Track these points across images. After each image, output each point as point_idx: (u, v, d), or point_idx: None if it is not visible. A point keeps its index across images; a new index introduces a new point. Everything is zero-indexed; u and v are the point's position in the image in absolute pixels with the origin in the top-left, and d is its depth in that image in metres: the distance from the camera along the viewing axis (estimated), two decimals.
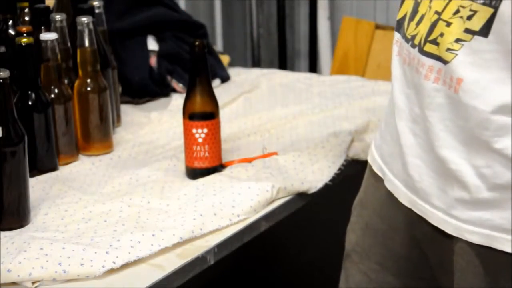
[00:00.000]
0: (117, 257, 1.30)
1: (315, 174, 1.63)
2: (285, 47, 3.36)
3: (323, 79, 2.29)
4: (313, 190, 1.60)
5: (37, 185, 1.58)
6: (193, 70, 1.60)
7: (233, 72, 2.33)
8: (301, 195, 1.60)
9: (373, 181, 1.34)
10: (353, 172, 1.69)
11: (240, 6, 3.49)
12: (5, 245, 1.33)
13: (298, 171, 1.63)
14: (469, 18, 1.08)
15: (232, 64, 2.46)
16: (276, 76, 2.31)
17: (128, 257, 1.30)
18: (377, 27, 2.77)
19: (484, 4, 1.06)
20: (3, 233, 1.38)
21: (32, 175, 1.54)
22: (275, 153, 1.71)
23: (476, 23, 1.07)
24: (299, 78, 2.29)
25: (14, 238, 1.35)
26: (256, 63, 3.49)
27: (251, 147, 1.76)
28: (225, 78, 2.26)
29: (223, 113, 1.90)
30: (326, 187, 1.62)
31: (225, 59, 2.37)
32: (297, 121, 1.92)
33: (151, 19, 2.22)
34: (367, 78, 2.33)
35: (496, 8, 1.05)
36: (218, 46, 3.31)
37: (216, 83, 2.20)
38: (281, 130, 1.87)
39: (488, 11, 1.06)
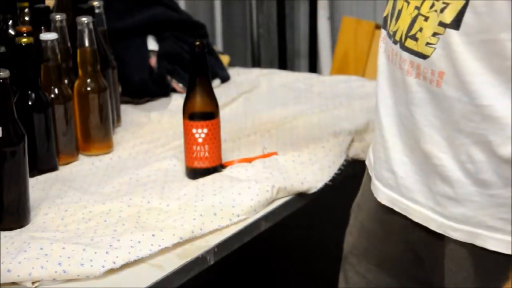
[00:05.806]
0: (117, 257, 1.30)
1: (315, 174, 1.63)
2: (285, 47, 3.35)
3: (323, 79, 2.29)
4: (313, 190, 1.60)
5: (37, 185, 1.58)
6: (193, 70, 1.60)
7: (233, 72, 2.33)
8: (301, 195, 1.59)
9: (370, 185, 1.34)
10: (353, 172, 1.69)
11: (240, 6, 3.49)
12: (5, 245, 1.32)
13: (298, 171, 1.63)
14: (442, 10, 1.08)
15: (232, 64, 2.46)
16: (276, 76, 2.31)
17: (128, 257, 1.30)
18: (377, 27, 2.76)
19: None
20: (3, 233, 1.38)
21: (32, 175, 1.54)
22: (275, 153, 1.71)
23: (448, 16, 1.08)
24: (299, 78, 2.29)
25: (14, 238, 1.35)
26: (256, 63, 3.49)
27: (251, 147, 1.76)
28: (225, 78, 2.26)
29: (223, 113, 1.89)
30: (326, 187, 1.62)
31: (225, 59, 2.37)
32: (297, 121, 1.92)
33: (151, 19, 2.22)
34: (367, 78, 2.33)
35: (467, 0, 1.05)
36: (218, 46, 3.31)
37: (216, 83, 2.20)
38: (281, 130, 1.87)
39: (459, 3, 1.06)
